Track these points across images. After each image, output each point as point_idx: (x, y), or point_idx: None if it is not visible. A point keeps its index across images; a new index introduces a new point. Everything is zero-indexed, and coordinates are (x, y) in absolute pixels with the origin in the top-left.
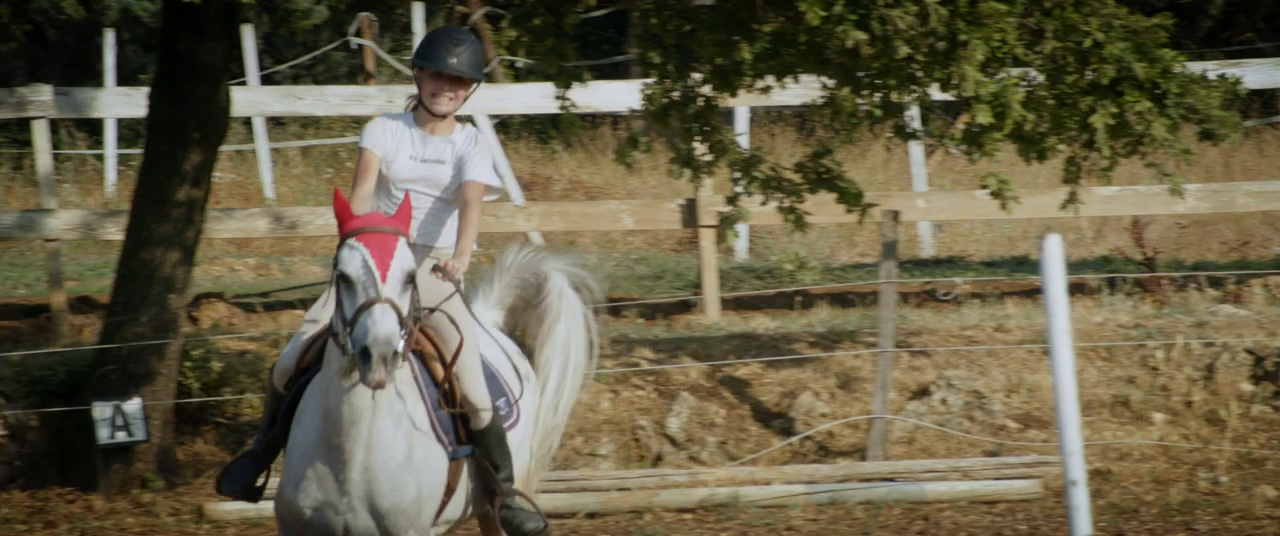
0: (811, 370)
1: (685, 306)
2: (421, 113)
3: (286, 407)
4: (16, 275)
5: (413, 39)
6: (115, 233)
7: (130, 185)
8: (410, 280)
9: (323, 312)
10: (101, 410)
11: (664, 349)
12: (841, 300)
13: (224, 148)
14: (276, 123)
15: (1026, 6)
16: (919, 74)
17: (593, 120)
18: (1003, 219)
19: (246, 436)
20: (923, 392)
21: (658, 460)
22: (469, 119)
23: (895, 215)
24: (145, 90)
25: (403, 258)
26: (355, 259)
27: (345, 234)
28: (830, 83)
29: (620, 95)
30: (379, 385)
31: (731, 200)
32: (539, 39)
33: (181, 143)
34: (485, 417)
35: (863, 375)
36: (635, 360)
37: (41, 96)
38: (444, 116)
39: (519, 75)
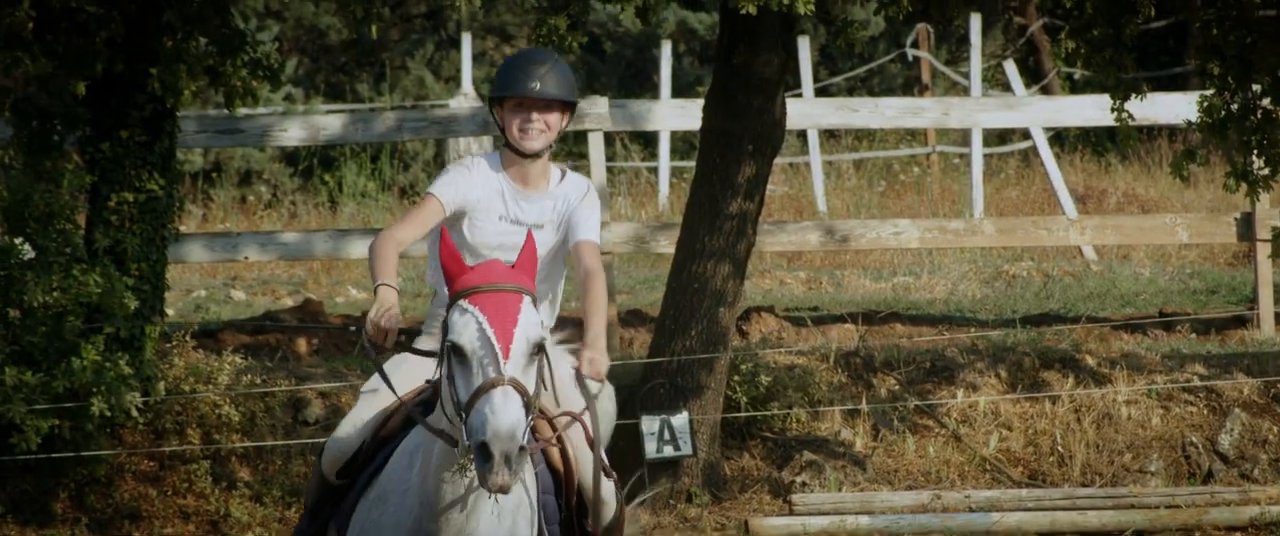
0: None
1: (1240, 321)
2: (508, 158)
3: (345, 501)
4: (568, 288)
5: (970, 50)
6: (666, 246)
7: (682, 198)
8: (538, 350)
9: (397, 378)
10: (650, 424)
11: (1216, 364)
12: None
13: (777, 160)
14: (830, 135)
15: None
16: None
17: (1149, 132)
18: None
19: (793, 451)
20: None
21: (1208, 477)
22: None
23: None
24: (700, 102)
25: (529, 323)
26: (470, 326)
27: (456, 293)
28: None
29: (1177, 107)
30: (501, 489)
31: None
32: (1097, 50)
33: (735, 155)
34: (610, 512)
35: None
36: (1187, 375)
37: (598, 108)
38: (538, 155)
39: (1074, 87)
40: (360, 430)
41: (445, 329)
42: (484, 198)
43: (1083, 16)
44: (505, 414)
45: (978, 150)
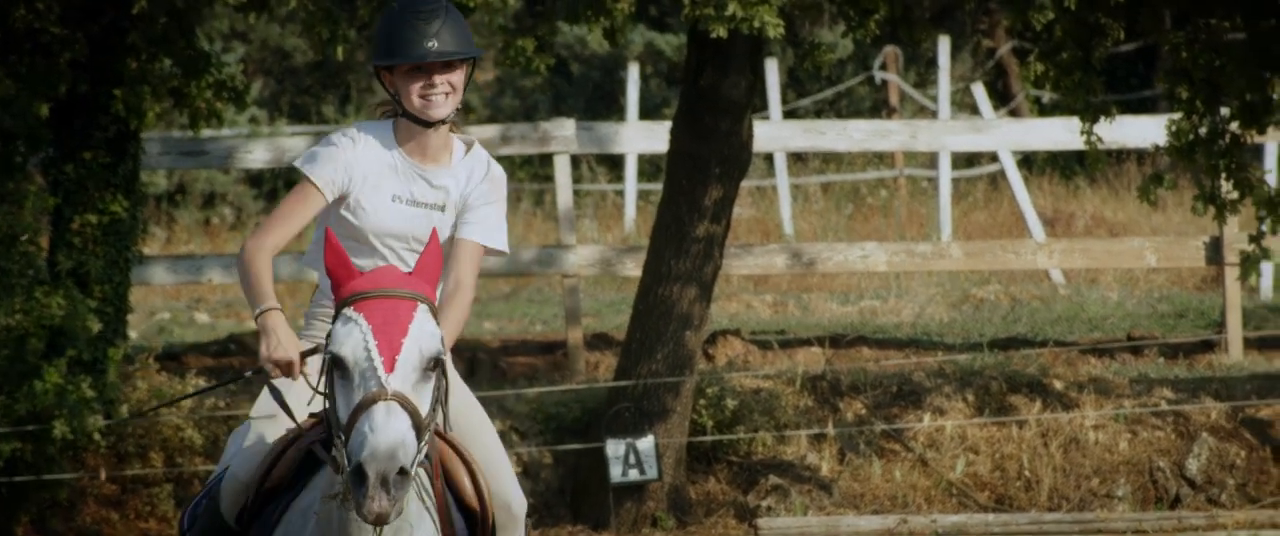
0: None
1: (1208, 346)
2: (404, 129)
3: None
4: (535, 311)
5: (938, 73)
6: (633, 269)
7: (649, 220)
8: (433, 366)
9: (293, 402)
10: (615, 448)
11: (1184, 389)
12: None
13: (744, 183)
14: (797, 158)
15: None
16: None
17: (1118, 156)
18: None
19: (759, 475)
20: None
21: (1175, 502)
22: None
23: None
24: (667, 124)
25: (422, 333)
26: (352, 335)
27: (341, 300)
28: None
29: (1146, 130)
30: (379, 519)
31: (1254, 239)
32: (1066, 73)
33: (702, 177)
34: (521, 525)
35: None
36: (1154, 400)
37: (564, 131)
38: (442, 122)
39: (1043, 110)
40: (250, 463)
41: (328, 340)
42: (372, 175)
43: (1052, 39)
44: (385, 432)
45: (946, 173)
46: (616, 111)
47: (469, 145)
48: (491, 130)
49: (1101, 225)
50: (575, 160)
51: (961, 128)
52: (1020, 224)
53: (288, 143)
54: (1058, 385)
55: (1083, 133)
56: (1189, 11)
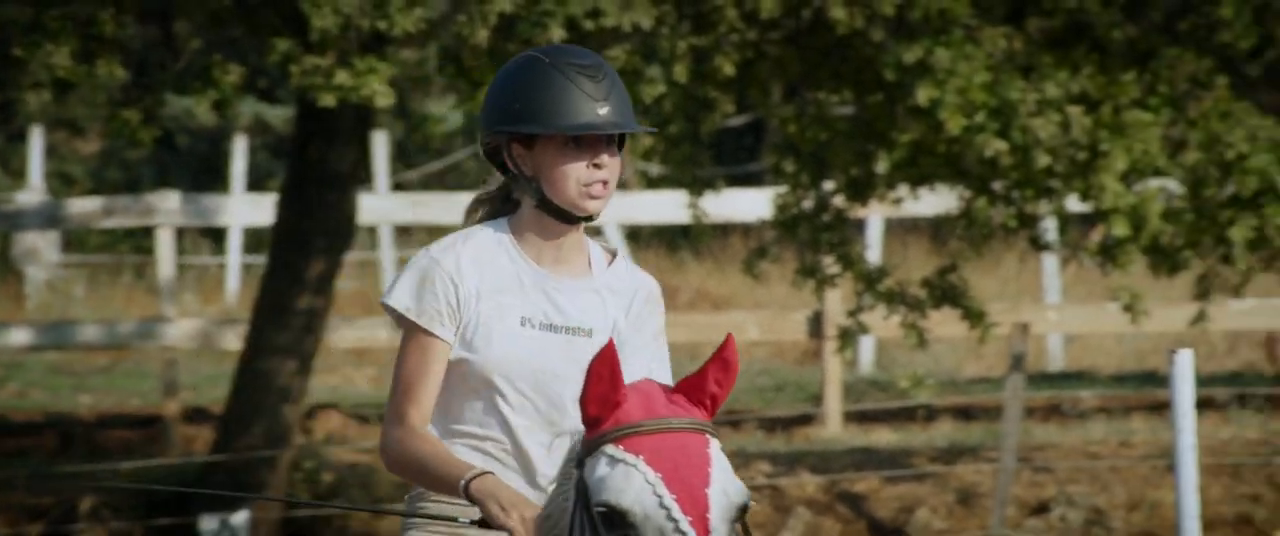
0: (931, 485)
1: (806, 419)
2: (528, 226)
3: None
4: (132, 384)
5: None
6: (234, 341)
7: (253, 293)
8: (740, 517)
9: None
10: (208, 523)
11: (782, 462)
12: (966, 414)
13: (349, 256)
14: (403, 231)
15: (1171, 117)
16: (1057, 185)
17: (723, 229)
18: (1134, 332)
19: None
20: (1042, 509)
21: None
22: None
23: (1025, 328)
24: (273, 196)
25: (724, 476)
26: (632, 486)
27: (596, 436)
28: (966, 193)
29: (753, 204)
30: None
31: (851, 313)
32: (675, 146)
33: (307, 251)
34: None
35: (983, 490)
36: (751, 473)
37: (169, 204)
38: (591, 218)
39: (651, 182)
40: None
41: (582, 489)
42: (489, 293)
43: (661, 112)
44: None
45: None
46: (222, 183)
47: (611, 254)
48: (94, 202)
49: (706, 299)
50: (179, 232)
51: None
52: None
53: None
54: None
55: (689, 206)
56: (798, 86)
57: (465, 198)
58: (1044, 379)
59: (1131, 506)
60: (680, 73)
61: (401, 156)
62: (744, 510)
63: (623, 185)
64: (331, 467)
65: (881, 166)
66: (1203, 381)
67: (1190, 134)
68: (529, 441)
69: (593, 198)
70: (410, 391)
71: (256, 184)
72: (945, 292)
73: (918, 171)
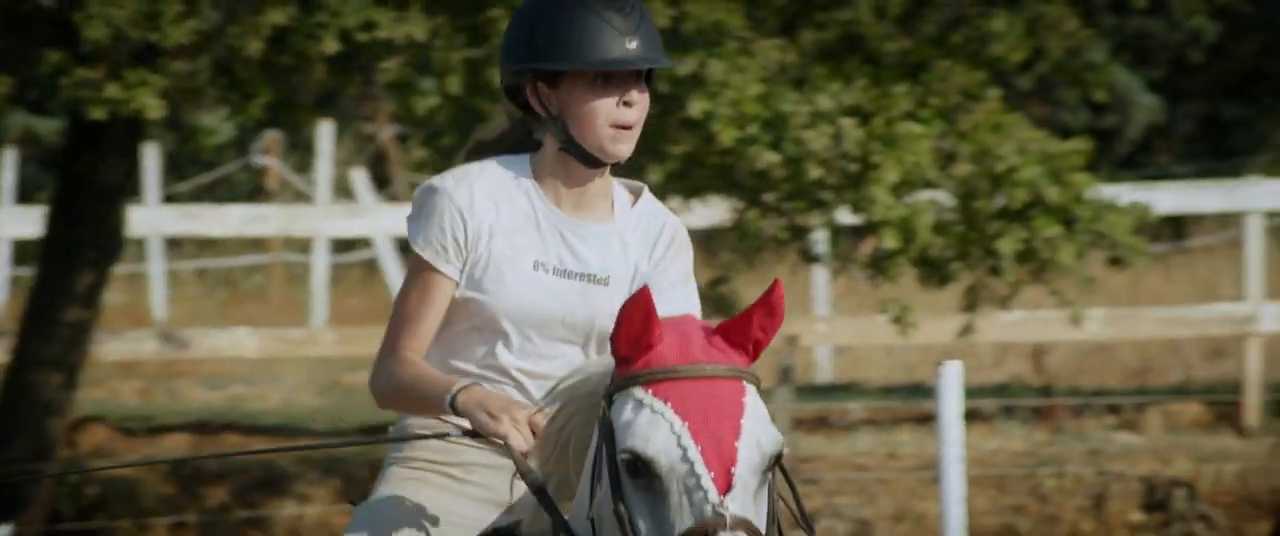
0: None
1: None
2: (549, 168)
3: None
4: None
5: (316, 159)
6: (0, 354)
7: (20, 305)
8: (771, 467)
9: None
10: None
11: None
12: None
13: (117, 268)
14: (173, 243)
15: (942, 129)
16: (828, 197)
17: None
18: (903, 344)
19: None
20: None
21: None
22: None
23: (793, 340)
24: (42, 209)
25: (757, 425)
26: (658, 435)
27: (627, 376)
28: (738, 205)
29: None
30: None
31: None
32: (448, 158)
33: (75, 263)
34: None
35: None
36: None
37: None
38: (618, 161)
39: None
40: None
41: (609, 430)
42: (502, 233)
43: (435, 125)
44: None
45: (322, 258)
46: None
47: (636, 194)
48: None
49: None
50: None
51: (340, 212)
52: None
53: None
54: None
55: None
56: None
57: (233, 208)
58: (812, 391)
59: (898, 518)
60: (454, 85)
61: (173, 169)
62: (778, 458)
63: (395, 197)
64: (97, 481)
65: (654, 178)
66: (971, 393)
67: (961, 146)
68: (532, 386)
69: (623, 137)
70: (407, 324)
71: (26, 196)
72: (716, 304)
73: (690, 183)
